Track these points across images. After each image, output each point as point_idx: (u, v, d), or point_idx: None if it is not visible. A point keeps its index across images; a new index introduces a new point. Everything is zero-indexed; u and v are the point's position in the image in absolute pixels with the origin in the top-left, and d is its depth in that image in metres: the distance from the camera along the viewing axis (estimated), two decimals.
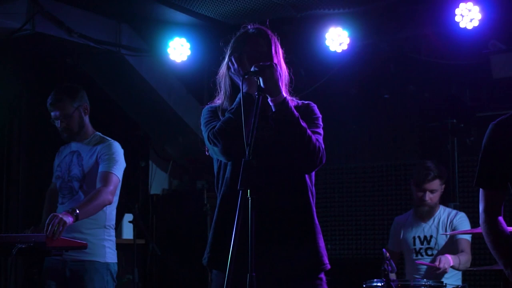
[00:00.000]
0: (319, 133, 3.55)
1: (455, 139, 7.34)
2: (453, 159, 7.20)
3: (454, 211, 6.23)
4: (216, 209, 3.60)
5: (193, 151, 7.70)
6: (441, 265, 5.65)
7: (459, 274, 6.11)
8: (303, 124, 3.40)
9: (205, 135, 3.52)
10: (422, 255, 6.13)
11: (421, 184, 6.07)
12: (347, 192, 7.85)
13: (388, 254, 4.77)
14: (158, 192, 8.28)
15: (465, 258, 5.88)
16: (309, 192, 3.57)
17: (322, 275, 3.61)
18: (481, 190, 3.42)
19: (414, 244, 6.18)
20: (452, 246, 6.02)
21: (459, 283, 6.07)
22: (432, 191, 6.08)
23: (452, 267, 5.76)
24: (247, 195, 3.01)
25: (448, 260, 5.70)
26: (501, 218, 3.37)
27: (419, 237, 6.17)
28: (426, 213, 6.16)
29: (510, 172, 3.31)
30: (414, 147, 7.66)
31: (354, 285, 5.74)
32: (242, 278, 2.96)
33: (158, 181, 8.38)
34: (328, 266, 3.61)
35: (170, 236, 7.89)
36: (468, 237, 6.05)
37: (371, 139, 7.90)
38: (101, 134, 5.18)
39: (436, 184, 6.07)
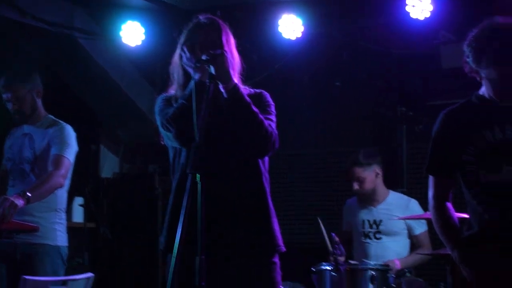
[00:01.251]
0: (272, 120, 3.62)
1: (404, 127, 7.45)
2: (402, 147, 7.29)
3: (405, 197, 6.31)
4: (172, 195, 3.64)
5: (145, 135, 7.69)
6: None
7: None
8: (255, 109, 3.47)
9: (159, 123, 3.57)
10: (370, 238, 6.21)
11: (347, 172, 6.20)
12: (299, 177, 7.91)
13: (337, 239, 4.84)
14: (109, 176, 8.26)
15: (419, 257, 5.97)
16: (263, 177, 3.65)
17: (277, 258, 3.68)
18: (430, 177, 3.51)
19: (363, 227, 6.26)
20: (405, 236, 6.15)
21: None
22: (357, 179, 6.16)
23: (402, 269, 5.83)
24: (196, 179, 3.06)
25: (395, 264, 5.80)
26: (449, 204, 3.48)
27: (368, 220, 6.25)
28: (368, 200, 6.24)
29: (459, 161, 3.40)
30: (366, 134, 7.73)
31: (304, 269, 5.80)
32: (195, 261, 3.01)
33: (109, 165, 8.35)
34: (283, 249, 3.67)
35: (121, 220, 7.85)
36: (425, 227, 6.14)
37: (323, 126, 7.96)
38: (53, 117, 5.16)
39: (357, 172, 6.13)
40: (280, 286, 3.69)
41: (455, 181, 3.50)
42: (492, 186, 3.30)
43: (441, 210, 3.45)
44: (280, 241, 3.66)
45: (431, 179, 3.50)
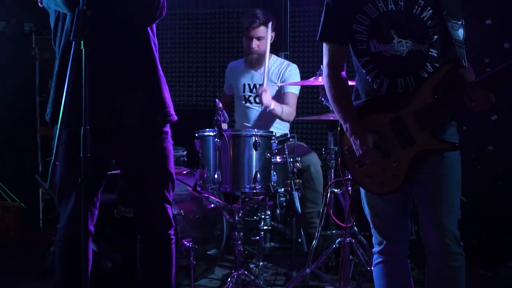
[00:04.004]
0: None
1: None
2: (286, 9, 7.22)
3: (286, 62, 6.33)
4: (57, 62, 3.51)
5: None
6: (264, 99, 5.80)
7: (287, 124, 6.29)
8: None
9: None
10: (250, 102, 6.25)
11: (248, 31, 6.11)
12: (180, 38, 7.77)
13: (221, 105, 4.78)
14: None
15: (287, 110, 6.04)
16: (152, 43, 3.56)
17: (168, 128, 3.65)
18: (324, 45, 3.46)
19: (244, 91, 6.28)
20: (279, 98, 6.16)
21: (287, 131, 6.26)
22: (258, 38, 6.12)
23: (274, 110, 5.87)
24: (81, 46, 2.92)
25: (269, 98, 5.83)
26: (343, 73, 3.46)
27: (248, 84, 6.27)
28: (256, 61, 6.23)
29: (351, 28, 3.36)
30: None
31: (186, 133, 5.77)
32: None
33: None
34: (175, 118, 3.66)
35: None
36: (295, 90, 6.19)
37: None
38: None
39: (262, 31, 6.10)
40: (172, 154, 3.69)
41: (347, 49, 3.47)
42: (382, 56, 3.30)
43: (335, 79, 3.42)
44: (171, 109, 3.62)
45: (325, 47, 3.46)
